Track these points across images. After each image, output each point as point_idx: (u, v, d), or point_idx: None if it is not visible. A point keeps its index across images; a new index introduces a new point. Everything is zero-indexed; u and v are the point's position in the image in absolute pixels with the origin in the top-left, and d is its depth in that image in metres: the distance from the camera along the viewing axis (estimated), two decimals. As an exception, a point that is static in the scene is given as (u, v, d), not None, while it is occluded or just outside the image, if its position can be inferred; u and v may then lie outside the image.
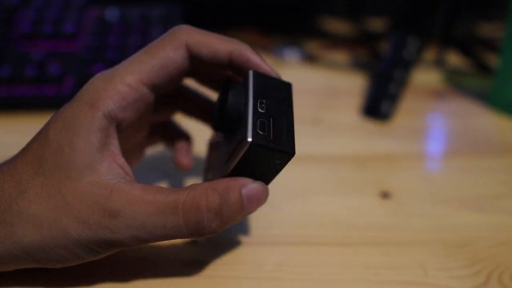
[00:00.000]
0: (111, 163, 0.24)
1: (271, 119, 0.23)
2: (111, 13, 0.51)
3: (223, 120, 0.24)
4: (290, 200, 0.34)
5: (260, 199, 0.25)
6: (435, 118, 0.47)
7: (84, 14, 0.51)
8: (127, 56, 0.46)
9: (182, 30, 0.26)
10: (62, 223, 0.22)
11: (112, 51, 0.47)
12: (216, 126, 0.25)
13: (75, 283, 0.26)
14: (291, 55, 0.59)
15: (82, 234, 0.22)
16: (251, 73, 0.25)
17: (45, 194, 0.23)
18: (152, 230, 0.23)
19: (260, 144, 0.22)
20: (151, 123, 0.30)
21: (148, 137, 0.31)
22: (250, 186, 0.24)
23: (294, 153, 0.23)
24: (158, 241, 0.24)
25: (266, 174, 0.25)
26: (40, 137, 0.24)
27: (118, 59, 0.46)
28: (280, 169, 0.24)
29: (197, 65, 0.27)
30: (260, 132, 0.22)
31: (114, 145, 0.24)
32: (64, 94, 0.44)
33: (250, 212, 0.25)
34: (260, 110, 0.23)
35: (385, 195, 0.35)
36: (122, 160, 0.24)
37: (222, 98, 0.25)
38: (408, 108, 0.48)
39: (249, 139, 0.22)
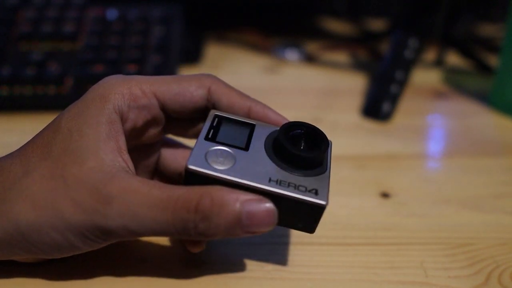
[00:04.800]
0: (116, 156, 0.24)
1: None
2: (111, 13, 0.51)
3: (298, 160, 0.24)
4: (290, 200, 0.34)
5: (263, 220, 0.23)
6: (435, 118, 0.47)
7: (84, 14, 0.51)
8: (127, 56, 0.46)
9: (210, 77, 0.27)
10: (58, 204, 0.23)
11: (112, 51, 0.47)
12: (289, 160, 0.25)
13: (74, 283, 0.26)
14: (292, 55, 0.59)
15: (75, 216, 0.22)
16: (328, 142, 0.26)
17: (49, 176, 0.23)
18: (142, 222, 0.22)
19: (323, 212, 0.24)
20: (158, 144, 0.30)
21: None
22: (256, 202, 0.23)
23: (313, 233, 0.25)
24: (148, 235, 0.23)
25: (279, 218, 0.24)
26: (52, 125, 0.25)
27: (118, 59, 0.46)
28: (288, 227, 0.26)
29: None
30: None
31: (122, 140, 0.25)
32: (64, 94, 0.44)
33: (253, 231, 0.23)
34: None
35: (385, 195, 0.35)
36: (126, 156, 0.25)
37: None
38: (408, 108, 0.48)
39: (324, 203, 0.23)
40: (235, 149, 0.25)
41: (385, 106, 0.46)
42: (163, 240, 0.30)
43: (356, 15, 0.69)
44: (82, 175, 0.23)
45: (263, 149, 0.25)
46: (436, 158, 0.41)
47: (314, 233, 0.31)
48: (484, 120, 0.47)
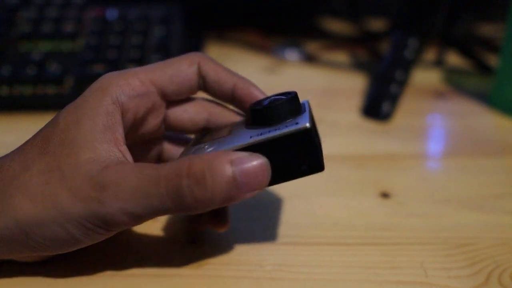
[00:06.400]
0: (112, 147, 0.24)
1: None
2: (111, 13, 0.52)
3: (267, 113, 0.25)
4: (290, 200, 0.34)
5: (258, 174, 0.22)
6: (435, 118, 0.47)
7: (84, 14, 0.51)
8: (127, 56, 0.46)
9: (197, 54, 0.28)
10: (56, 196, 0.23)
11: (112, 51, 0.47)
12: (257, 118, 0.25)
13: (73, 282, 0.26)
14: (291, 55, 0.59)
15: (74, 207, 0.23)
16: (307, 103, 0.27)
17: (46, 169, 0.23)
18: (138, 201, 0.22)
19: (312, 136, 0.23)
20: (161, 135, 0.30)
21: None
22: (245, 158, 0.22)
23: (323, 169, 0.24)
24: (148, 215, 0.23)
25: (281, 173, 0.24)
26: (50, 122, 0.25)
27: (118, 59, 0.46)
28: (298, 177, 0.24)
29: (205, 90, 0.29)
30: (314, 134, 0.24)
31: (119, 131, 0.25)
32: (64, 94, 0.44)
33: (249, 190, 0.22)
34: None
35: (385, 195, 0.35)
36: (124, 148, 0.25)
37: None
38: (408, 108, 0.48)
39: (308, 125, 0.22)
40: (219, 139, 0.26)
41: (385, 106, 0.46)
42: (163, 240, 0.30)
43: (356, 15, 0.69)
44: (77, 165, 0.23)
45: (244, 126, 0.26)
46: (436, 158, 0.41)
47: (315, 233, 0.31)
48: (484, 120, 0.47)
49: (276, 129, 0.23)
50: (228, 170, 0.22)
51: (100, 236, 0.24)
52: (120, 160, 0.24)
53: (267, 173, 0.23)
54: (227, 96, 0.28)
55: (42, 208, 0.23)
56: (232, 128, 0.28)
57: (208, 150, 0.25)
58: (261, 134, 0.23)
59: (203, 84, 0.28)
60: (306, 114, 0.24)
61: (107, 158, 0.23)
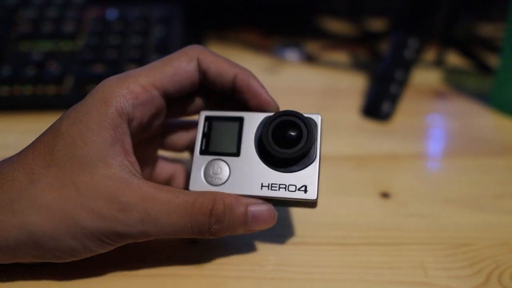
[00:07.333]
0: (123, 160, 0.24)
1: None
2: (111, 13, 0.52)
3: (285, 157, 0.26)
4: (290, 200, 0.34)
5: (266, 220, 0.26)
6: (435, 118, 0.47)
7: (84, 14, 0.51)
8: (127, 56, 0.46)
9: (196, 48, 0.28)
10: (75, 214, 0.23)
11: (112, 51, 0.47)
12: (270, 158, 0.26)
13: (74, 283, 0.26)
14: (291, 55, 0.59)
15: (95, 225, 0.23)
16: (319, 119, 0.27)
17: (58, 184, 0.23)
18: (163, 227, 0.24)
19: (316, 204, 0.27)
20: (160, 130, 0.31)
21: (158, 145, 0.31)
22: (258, 206, 0.26)
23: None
24: (163, 237, 0.25)
25: (280, 204, 0.28)
26: (51, 130, 0.25)
27: (118, 59, 0.46)
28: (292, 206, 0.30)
29: (205, 83, 0.28)
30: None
31: (127, 142, 0.25)
32: (64, 94, 0.44)
33: (254, 230, 0.26)
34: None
35: (385, 195, 0.35)
36: (133, 158, 0.25)
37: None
38: (408, 108, 0.48)
39: (314, 198, 0.26)
40: (228, 157, 0.27)
41: (385, 106, 0.46)
42: (163, 240, 0.30)
43: (356, 15, 0.69)
44: (94, 183, 0.23)
45: (254, 150, 0.27)
46: (436, 158, 0.41)
47: (315, 233, 0.31)
48: (484, 120, 0.47)
49: (285, 187, 0.26)
50: (244, 213, 0.25)
51: (113, 247, 0.25)
52: (132, 173, 0.24)
53: (273, 220, 0.27)
54: (227, 88, 0.28)
55: (59, 225, 0.23)
56: (240, 136, 0.27)
57: (219, 183, 0.26)
58: (271, 187, 0.26)
59: (204, 78, 0.28)
60: (315, 174, 0.26)
61: (123, 174, 0.24)
